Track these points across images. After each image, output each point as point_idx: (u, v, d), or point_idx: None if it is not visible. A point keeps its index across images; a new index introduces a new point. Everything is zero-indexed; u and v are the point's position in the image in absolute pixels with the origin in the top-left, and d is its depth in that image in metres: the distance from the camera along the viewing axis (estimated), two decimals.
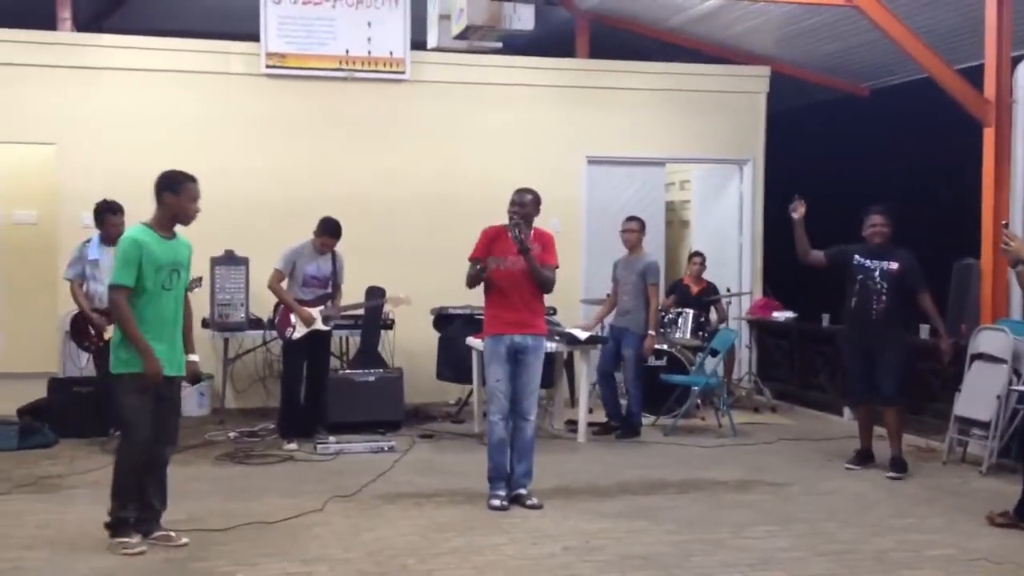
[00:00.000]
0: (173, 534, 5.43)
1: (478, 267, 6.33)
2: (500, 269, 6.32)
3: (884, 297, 7.24)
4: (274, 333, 8.42)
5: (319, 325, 8.15)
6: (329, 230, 8.15)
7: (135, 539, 5.33)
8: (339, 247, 8.23)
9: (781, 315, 10.32)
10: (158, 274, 5.30)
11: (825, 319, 10.04)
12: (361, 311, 8.77)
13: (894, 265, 7.26)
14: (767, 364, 10.79)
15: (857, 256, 7.40)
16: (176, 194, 5.37)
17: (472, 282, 6.42)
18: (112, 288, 5.31)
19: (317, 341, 8.23)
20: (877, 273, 7.28)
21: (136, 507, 5.39)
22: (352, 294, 8.61)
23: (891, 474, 7.20)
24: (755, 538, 5.65)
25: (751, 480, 7.05)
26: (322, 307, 8.17)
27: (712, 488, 6.81)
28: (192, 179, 5.45)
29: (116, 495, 5.36)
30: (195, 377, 5.91)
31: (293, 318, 8.10)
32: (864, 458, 7.55)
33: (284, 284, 8.15)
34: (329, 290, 8.26)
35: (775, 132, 11.05)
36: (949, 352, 7.41)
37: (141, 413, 5.31)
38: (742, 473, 7.26)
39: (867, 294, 7.30)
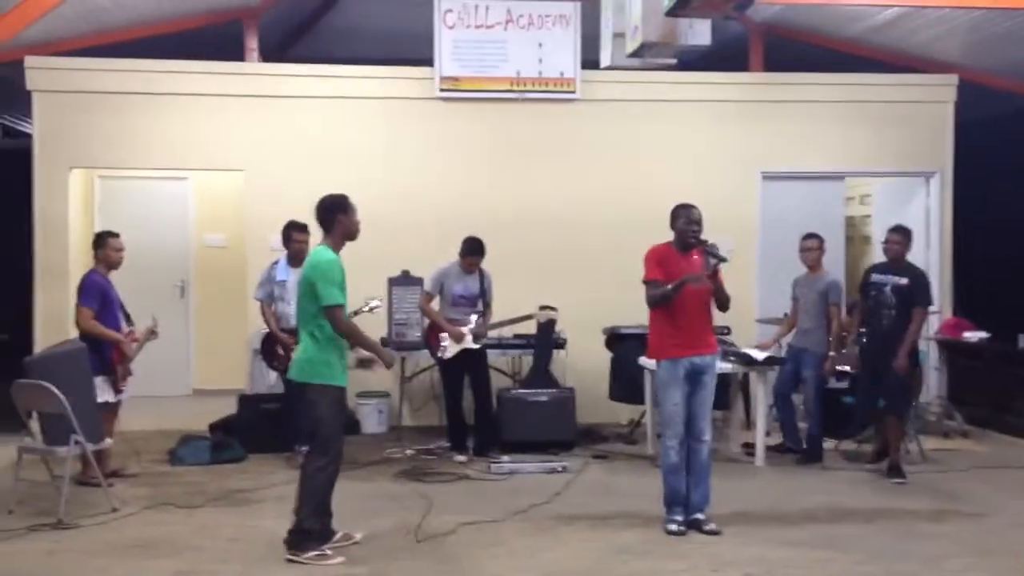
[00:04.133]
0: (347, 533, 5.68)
1: (670, 287, 6.06)
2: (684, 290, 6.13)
3: (893, 312, 7.58)
4: None
5: (469, 343, 8.24)
6: (473, 249, 8.26)
7: (326, 549, 5.52)
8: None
9: (973, 335, 9.79)
10: (344, 290, 5.56)
11: (1022, 340, 9.47)
12: (512, 327, 8.68)
13: (903, 280, 7.60)
14: (958, 387, 10.19)
15: (873, 274, 7.87)
16: (347, 213, 5.69)
17: (661, 301, 6.13)
18: (330, 309, 5.48)
19: (474, 359, 8.31)
20: (888, 288, 7.65)
21: (322, 519, 5.58)
22: (523, 311, 8.59)
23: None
24: (952, 571, 5.35)
25: (944, 509, 6.68)
26: (471, 325, 8.26)
27: (902, 517, 6.49)
28: (347, 196, 5.78)
29: (313, 509, 5.52)
30: None
31: (443, 337, 8.22)
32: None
33: (435, 305, 8.29)
34: (479, 308, 8.35)
35: (964, 143, 10.51)
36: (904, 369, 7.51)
37: (339, 425, 5.57)
38: (934, 502, 6.89)
39: (878, 308, 7.67)
